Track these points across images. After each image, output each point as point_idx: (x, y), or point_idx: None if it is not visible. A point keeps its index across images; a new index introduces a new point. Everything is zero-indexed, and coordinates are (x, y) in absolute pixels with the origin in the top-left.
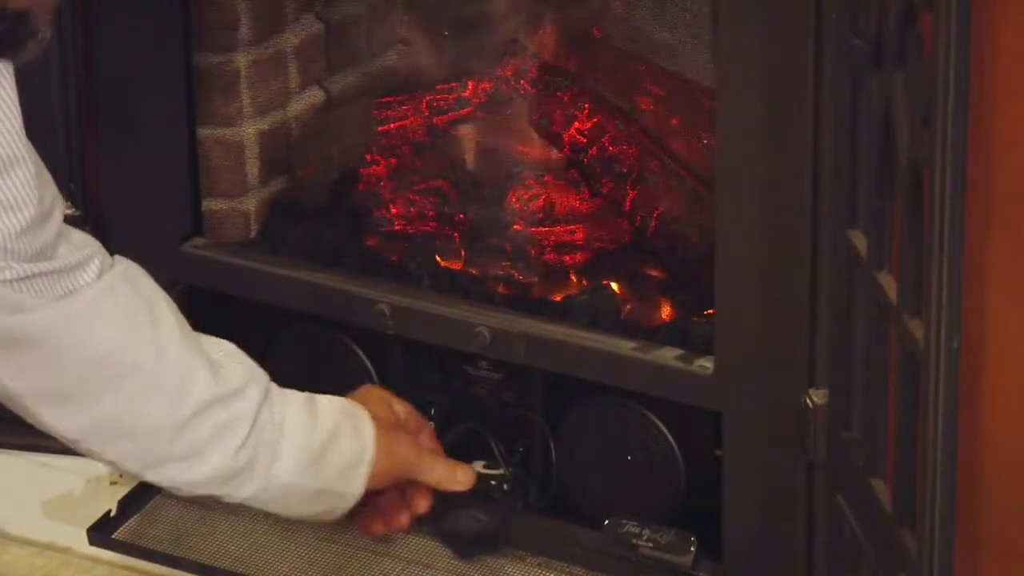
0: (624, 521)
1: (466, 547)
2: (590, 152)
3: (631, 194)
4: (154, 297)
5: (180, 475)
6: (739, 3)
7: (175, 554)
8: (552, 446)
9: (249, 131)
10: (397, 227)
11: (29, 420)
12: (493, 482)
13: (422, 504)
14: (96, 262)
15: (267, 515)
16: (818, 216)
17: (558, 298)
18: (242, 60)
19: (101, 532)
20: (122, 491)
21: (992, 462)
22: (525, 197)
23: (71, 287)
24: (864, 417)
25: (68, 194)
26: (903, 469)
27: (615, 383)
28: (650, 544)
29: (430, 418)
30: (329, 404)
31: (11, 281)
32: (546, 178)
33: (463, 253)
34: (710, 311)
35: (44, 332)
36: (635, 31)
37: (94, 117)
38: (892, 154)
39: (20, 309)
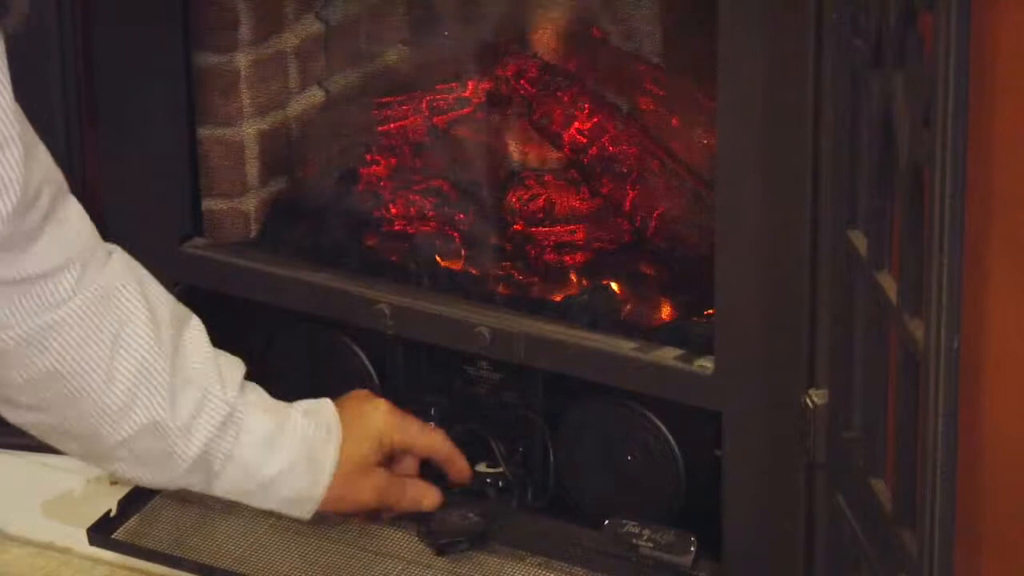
0: (624, 521)
1: (449, 545)
2: (590, 152)
3: (631, 194)
4: (129, 313)
5: (128, 475)
6: (739, 3)
7: (175, 554)
8: (552, 446)
9: (249, 131)
10: (397, 227)
11: None
12: (488, 480)
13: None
14: (71, 274)
15: (268, 515)
16: (818, 216)
17: (558, 298)
18: (242, 60)
19: (101, 532)
20: (122, 491)
21: (992, 462)
22: (525, 197)
23: (35, 305)
24: (864, 417)
25: None
26: (903, 469)
27: (615, 383)
28: (650, 544)
29: (429, 418)
30: (295, 434)
31: None
32: (546, 178)
33: (463, 253)
34: (710, 311)
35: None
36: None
37: (94, 116)
38: (892, 154)
39: None
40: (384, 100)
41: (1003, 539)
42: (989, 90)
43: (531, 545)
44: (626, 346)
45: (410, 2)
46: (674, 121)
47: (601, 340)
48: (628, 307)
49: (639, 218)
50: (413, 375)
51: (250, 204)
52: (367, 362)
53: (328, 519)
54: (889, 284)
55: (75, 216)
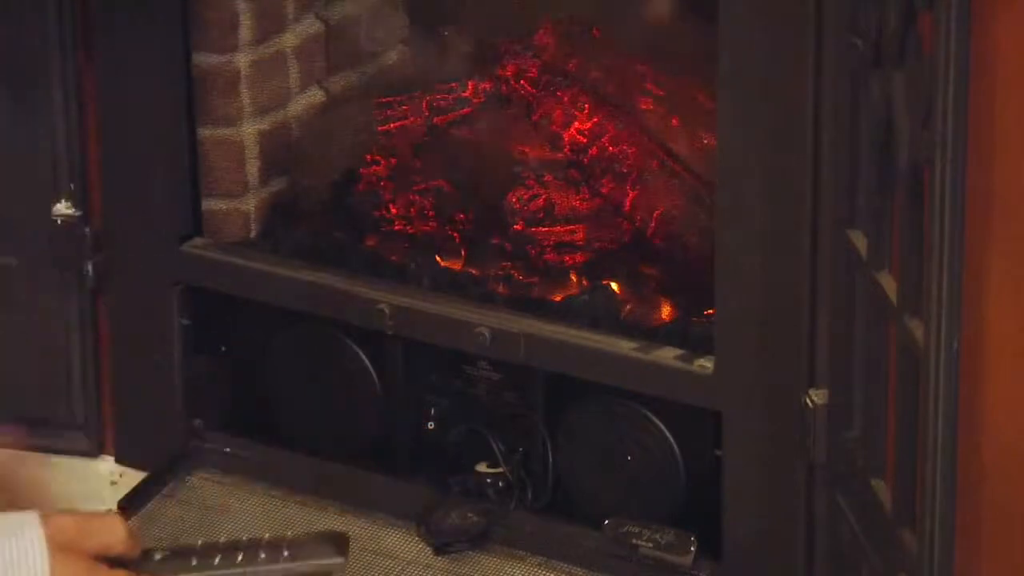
0: (624, 521)
1: (449, 545)
2: (590, 152)
3: (631, 194)
4: None
5: None
6: (739, 3)
7: None
8: (552, 446)
9: (249, 131)
10: (397, 227)
11: None
12: (488, 480)
13: None
14: None
15: (267, 515)
16: (818, 216)
17: (558, 298)
18: (242, 60)
19: None
20: (122, 491)
21: (992, 462)
22: (525, 197)
23: None
24: (864, 417)
25: (68, 194)
26: (903, 469)
27: (615, 383)
28: (650, 544)
29: (429, 418)
30: None
31: None
32: (546, 178)
33: (463, 253)
34: (710, 311)
35: None
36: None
37: (94, 117)
38: (892, 154)
39: None
40: (384, 100)
41: (1003, 539)
42: (989, 90)
43: (531, 545)
44: (626, 346)
45: (410, 2)
46: (674, 121)
47: (601, 340)
48: (628, 307)
49: (639, 218)
50: (413, 375)
51: (250, 204)
52: (367, 362)
53: (332, 520)
54: (889, 284)
55: None
